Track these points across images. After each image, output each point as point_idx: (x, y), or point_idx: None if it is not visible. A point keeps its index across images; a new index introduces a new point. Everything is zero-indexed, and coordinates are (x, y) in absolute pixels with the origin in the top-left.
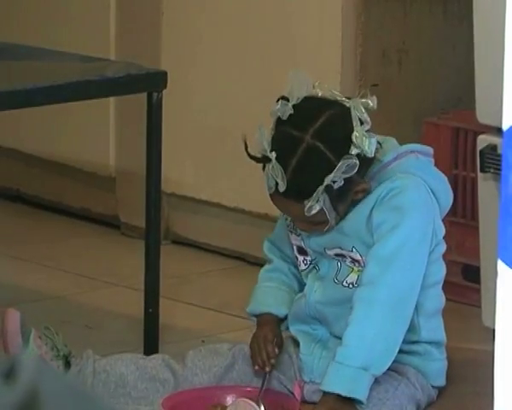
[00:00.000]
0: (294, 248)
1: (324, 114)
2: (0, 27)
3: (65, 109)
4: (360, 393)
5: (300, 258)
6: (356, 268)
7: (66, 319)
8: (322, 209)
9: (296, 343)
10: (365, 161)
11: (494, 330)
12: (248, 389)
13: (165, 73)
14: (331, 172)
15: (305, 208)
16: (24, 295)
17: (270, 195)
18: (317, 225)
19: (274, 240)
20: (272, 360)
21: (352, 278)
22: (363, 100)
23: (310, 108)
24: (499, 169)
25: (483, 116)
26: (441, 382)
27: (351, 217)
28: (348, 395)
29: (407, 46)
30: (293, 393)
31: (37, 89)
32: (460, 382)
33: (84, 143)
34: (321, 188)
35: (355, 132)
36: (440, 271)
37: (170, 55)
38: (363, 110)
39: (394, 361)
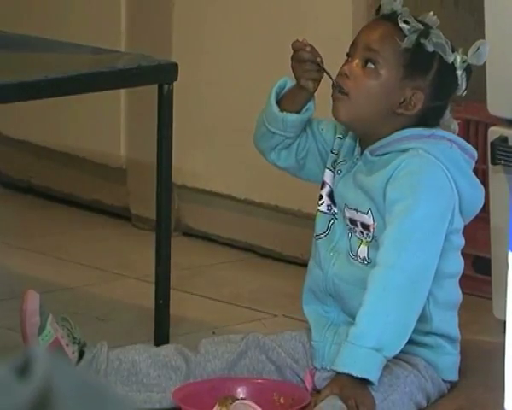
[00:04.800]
0: (325, 189)
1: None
2: (11, 19)
3: (76, 101)
4: (372, 374)
5: (328, 201)
6: (364, 240)
7: (77, 311)
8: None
9: (310, 332)
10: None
11: (505, 322)
12: (259, 380)
13: (175, 65)
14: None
15: (400, 19)
16: (35, 287)
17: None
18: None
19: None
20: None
21: (363, 251)
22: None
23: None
24: (510, 161)
25: (494, 108)
26: (453, 376)
27: (373, 179)
28: (360, 376)
29: None
30: (304, 382)
31: (48, 80)
32: (470, 374)
33: (95, 134)
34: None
35: (457, 56)
36: (456, 264)
37: (181, 46)
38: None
39: (406, 353)
